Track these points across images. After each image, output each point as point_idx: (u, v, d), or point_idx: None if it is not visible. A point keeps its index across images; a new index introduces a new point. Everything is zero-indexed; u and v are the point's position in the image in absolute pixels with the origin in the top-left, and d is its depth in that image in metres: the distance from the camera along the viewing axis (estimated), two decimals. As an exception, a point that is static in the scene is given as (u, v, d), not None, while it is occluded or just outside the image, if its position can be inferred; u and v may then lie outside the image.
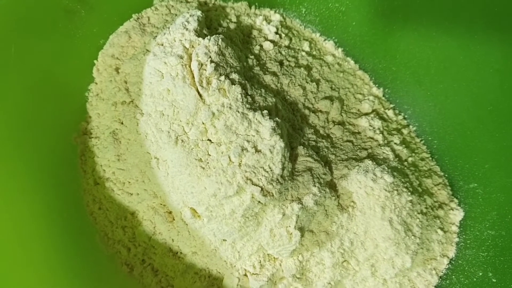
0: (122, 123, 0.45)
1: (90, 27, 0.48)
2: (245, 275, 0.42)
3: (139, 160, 0.43)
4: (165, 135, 0.41)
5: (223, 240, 0.42)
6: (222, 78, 0.41)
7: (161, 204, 0.43)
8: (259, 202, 0.39)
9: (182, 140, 0.40)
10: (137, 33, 0.47)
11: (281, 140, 0.39)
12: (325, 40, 0.54)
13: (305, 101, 0.47)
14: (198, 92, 0.41)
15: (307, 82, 0.48)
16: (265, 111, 0.41)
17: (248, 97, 0.41)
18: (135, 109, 0.44)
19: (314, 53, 0.52)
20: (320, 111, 0.48)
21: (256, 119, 0.40)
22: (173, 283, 0.44)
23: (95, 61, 0.48)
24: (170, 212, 0.44)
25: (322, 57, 0.53)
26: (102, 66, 0.47)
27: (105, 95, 0.46)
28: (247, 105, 0.40)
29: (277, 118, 0.41)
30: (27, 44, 0.44)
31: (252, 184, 0.38)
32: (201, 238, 0.42)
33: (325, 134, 0.46)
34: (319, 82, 0.50)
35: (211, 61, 0.41)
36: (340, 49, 0.54)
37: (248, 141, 0.39)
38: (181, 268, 0.44)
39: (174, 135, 0.41)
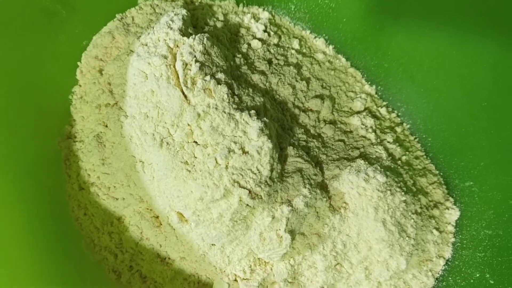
0: (106, 126, 0.43)
1: (72, 28, 0.47)
2: (235, 280, 0.41)
3: (124, 163, 0.42)
4: (150, 137, 0.40)
5: (212, 244, 0.41)
6: (208, 78, 0.39)
7: (147, 209, 0.42)
8: (247, 205, 0.37)
9: (167, 143, 0.39)
10: (121, 33, 0.46)
11: (269, 140, 0.38)
12: (315, 37, 0.53)
13: (294, 100, 0.46)
14: (183, 93, 0.39)
15: (296, 81, 0.47)
16: (252, 111, 0.39)
17: (235, 97, 0.40)
18: (119, 111, 0.43)
19: (304, 51, 0.51)
20: (311, 110, 0.46)
21: (243, 120, 0.39)
22: (162, 290, 0.43)
23: (78, 63, 0.47)
24: (157, 217, 0.42)
25: (312, 55, 0.51)
26: (85, 68, 0.46)
27: (89, 98, 0.45)
28: (233, 105, 0.39)
29: (265, 118, 0.39)
30: (6, 47, 0.43)
31: (240, 187, 0.37)
32: (189, 243, 0.41)
33: (316, 134, 0.45)
34: (309, 81, 0.48)
35: (196, 61, 0.40)
36: (331, 47, 0.53)
37: (235, 143, 0.38)
38: (170, 274, 0.42)
39: (159, 138, 0.39)
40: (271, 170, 0.38)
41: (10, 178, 0.41)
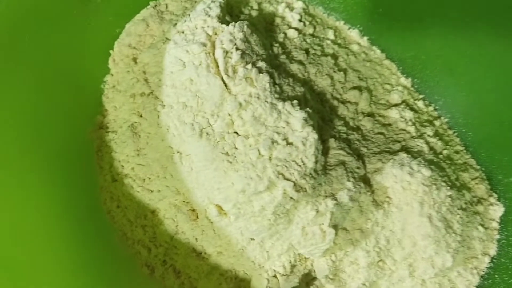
0: (141, 116, 0.42)
1: (105, 16, 0.46)
2: (275, 276, 0.40)
3: (160, 154, 0.41)
4: (189, 127, 0.38)
5: (251, 239, 0.39)
6: (249, 66, 0.38)
7: (184, 202, 0.41)
8: (291, 198, 0.36)
9: (207, 133, 0.38)
10: (155, 21, 0.45)
11: (314, 131, 0.37)
12: (349, 28, 0.52)
13: (333, 91, 0.45)
14: (224, 82, 0.38)
15: (334, 72, 0.46)
16: (295, 101, 0.38)
17: (276, 86, 0.39)
18: (155, 100, 0.41)
19: (339, 41, 0.50)
20: (349, 102, 0.45)
21: (286, 110, 0.37)
22: (197, 285, 0.42)
23: (110, 51, 0.46)
24: (194, 210, 0.41)
25: (347, 46, 0.50)
26: (118, 57, 0.45)
27: (122, 87, 0.44)
28: (275, 95, 0.38)
29: (308, 109, 0.38)
30: (39, 35, 0.42)
31: (284, 179, 0.36)
32: (227, 237, 0.40)
33: (355, 126, 0.44)
34: (346, 72, 0.47)
35: (237, 49, 0.38)
36: (365, 38, 0.51)
37: (278, 133, 0.37)
38: (206, 269, 0.41)
39: (198, 128, 0.38)
40: (316, 162, 0.37)
41: (42, 169, 0.40)
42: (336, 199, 0.37)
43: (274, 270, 0.40)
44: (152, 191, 0.42)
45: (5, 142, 0.38)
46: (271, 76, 0.39)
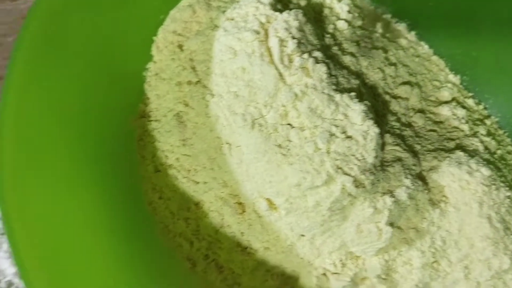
0: (187, 105, 0.41)
1: (149, 1, 0.44)
2: (324, 274, 0.38)
3: (207, 145, 0.39)
4: (240, 118, 0.37)
5: (301, 235, 0.38)
6: (305, 56, 0.37)
7: (231, 194, 0.40)
8: (349, 194, 0.35)
9: (260, 124, 0.37)
10: (202, 7, 0.43)
11: (375, 125, 0.35)
12: (396, 22, 0.50)
13: (384, 85, 0.43)
14: (278, 71, 0.37)
15: (385, 66, 0.44)
16: (352, 93, 0.37)
17: (333, 77, 0.37)
18: (204, 89, 0.40)
19: (388, 35, 0.48)
20: (400, 97, 0.44)
21: (344, 102, 0.36)
22: (240, 281, 0.41)
23: (154, 38, 0.44)
24: (241, 203, 0.40)
25: (395, 40, 0.48)
26: (162, 43, 0.44)
27: (166, 75, 0.42)
28: (332, 86, 0.36)
29: (366, 101, 0.37)
30: (81, 20, 0.40)
31: (344, 174, 0.34)
32: (275, 233, 0.39)
33: (406, 123, 0.42)
34: (396, 66, 0.45)
35: (293, 37, 0.37)
36: (412, 33, 0.50)
37: (336, 126, 0.35)
38: (251, 265, 0.40)
39: (250, 119, 0.37)
40: (376, 157, 0.35)
41: (82, 157, 0.39)
42: (394, 197, 0.36)
43: (324, 268, 0.38)
44: (197, 182, 0.40)
45: (49, 129, 0.37)
46: (328, 66, 0.37)
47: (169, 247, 0.41)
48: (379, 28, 0.48)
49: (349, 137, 0.35)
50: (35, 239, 0.32)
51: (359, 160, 0.35)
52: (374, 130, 0.35)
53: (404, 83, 0.45)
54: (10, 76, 0.35)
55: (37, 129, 0.35)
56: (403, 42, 0.49)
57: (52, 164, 0.35)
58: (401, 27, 0.50)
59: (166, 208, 0.42)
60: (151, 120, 0.42)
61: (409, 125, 0.42)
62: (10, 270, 0.44)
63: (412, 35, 0.50)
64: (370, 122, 0.35)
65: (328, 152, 0.35)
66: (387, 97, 0.43)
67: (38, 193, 0.34)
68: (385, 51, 0.46)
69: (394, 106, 0.43)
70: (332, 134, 0.35)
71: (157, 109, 0.43)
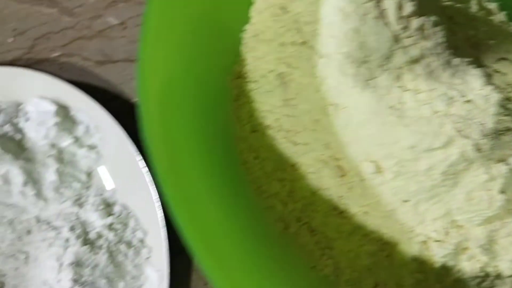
0: (290, 66, 0.40)
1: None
2: (425, 241, 0.38)
3: (311, 106, 0.39)
4: (351, 79, 0.37)
5: (405, 200, 0.38)
6: (423, 18, 0.36)
7: (331, 157, 0.39)
8: (467, 158, 0.34)
9: (372, 86, 0.36)
10: (305, -30, 0.43)
11: (496, 90, 0.35)
12: (487, 1, 0.50)
13: (483, 60, 0.43)
14: (394, 33, 0.36)
15: (482, 41, 0.44)
16: (469, 58, 0.36)
17: (449, 41, 0.37)
18: (310, 50, 0.40)
19: (481, 13, 0.48)
20: (499, 72, 0.43)
21: (462, 66, 0.36)
22: (333, 245, 0.40)
23: (252, 0, 0.44)
24: (340, 166, 0.39)
25: (488, 17, 0.48)
26: (263, 6, 0.43)
27: (267, 36, 0.42)
28: (450, 50, 0.36)
29: (484, 68, 0.36)
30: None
31: (464, 137, 0.34)
32: (377, 197, 0.38)
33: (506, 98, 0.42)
34: (491, 41, 0.45)
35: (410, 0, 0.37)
36: (503, 13, 0.49)
37: (454, 90, 0.35)
38: (347, 229, 0.40)
39: (362, 80, 0.36)
40: (497, 123, 0.35)
41: (182, 115, 0.39)
42: (509, 164, 0.35)
43: (426, 235, 0.38)
44: (297, 143, 0.40)
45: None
46: (445, 30, 0.37)
47: (262, 207, 0.41)
48: (473, 4, 0.47)
49: (468, 101, 0.35)
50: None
51: (479, 124, 0.34)
52: (495, 96, 0.35)
53: (502, 58, 0.44)
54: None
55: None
56: (495, 20, 0.48)
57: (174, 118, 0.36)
58: (492, 6, 0.49)
59: (261, 169, 0.41)
60: (248, 81, 0.42)
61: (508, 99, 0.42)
62: (98, 222, 0.44)
63: (502, 15, 0.49)
64: (491, 87, 0.35)
65: (447, 115, 0.34)
66: (489, 70, 0.42)
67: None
68: (479, 27, 0.46)
69: (496, 80, 0.42)
70: (451, 97, 0.35)
71: (255, 70, 0.42)
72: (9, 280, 0.43)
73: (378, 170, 0.37)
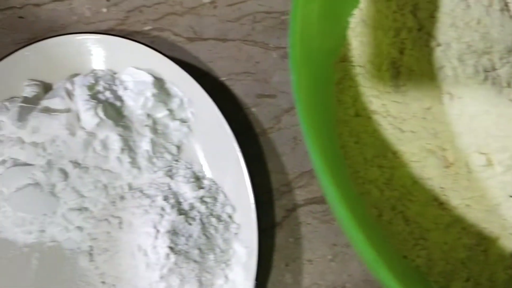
0: (403, 52, 0.40)
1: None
2: (528, 238, 0.38)
3: (423, 94, 0.39)
4: (471, 69, 0.37)
5: (511, 196, 0.37)
6: (549, 14, 0.36)
7: (439, 146, 0.39)
8: None
9: (493, 77, 0.36)
10: (419, -41, 0.43)
11: None
12: None
13: None
14: (519, 26, 0.36)
15: None
16: None
17: None
18: (427, 37, 0.40)
19: None
20: None
21: None
22: (428, 236, 0.40)
23: (362, -15, 0.44)
24: (445, 157, 0.39)
25: None
26: (373, -9, 0.43)
27: (377, 21, 0.42)
28: None
29: None
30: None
31: None
32: (482, 190, 0.38)
33: None
34: None
35: (537, -6, 0.36)
36: None
37: None
38: (446, 221, 0.40)
39: (482, 70, 0.36)
40: None
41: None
42: None
43: (531, 232, 0.38)
44: (403, 131, 0.40)
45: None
46: None
47: (356, 192, 0.41)
48: None
49: None
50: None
51: None
52: None
53: None
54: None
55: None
56: None
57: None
58: None
59: (361, 154, 0.41)
60: (355, 65, 0.42)
61: None
62: (190, 194, 0.44)
63: None
64: None
65: None
66: None
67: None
68: None
69: None
70: None
71: (363, 54, 0.42)
72: (100, 243, 0.43)
73: (489, 163, 0.37)
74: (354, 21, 0.43)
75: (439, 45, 0.39)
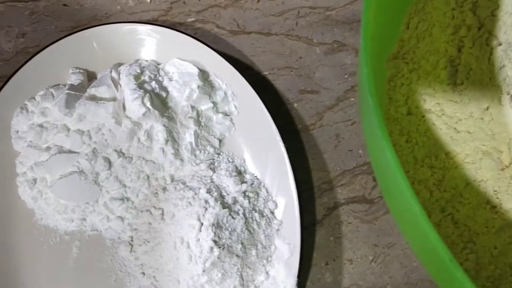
0: (461, 50, 0.39)
1: None
2: None
3: (481, 93, 0.38)
4: (534, 69, 0.35)
5: None
6: None
7: (495, 148, 0.38)
8: None
9: (558, 79, 0.35)
10: (477, -44, 0.42)
11: None
12: None
13: None
14: None
15: None
16: None
17: None
18: (488, 35, 0.39)
19: None
20: None
21: None
22: (477, 240, 0.39)
23: (414, -18, 0.43)
24: (502, 159, 0.38)
25: None
26: (427, -12, 0.42)
27: (434, 18, 0.41)
28: None
29: None
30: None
31: None
32: (539, 195, 0.37)
33: None
34: None
35: None
36: None
37: None
38: (497, 225, 0.38)
39: (546, 71, 0.35)
40: None
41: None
42: None
43: None
44: (458, 131, 0.39)
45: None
46: None
47: (405, 193, 0.40)
48: None
49: None
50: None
51: None
52: None
53: None
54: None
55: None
56: None
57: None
58: None
59: (411, 153, 0.41)
60: (408, 62, 0.41)
61: None
62: (233, 188, 0.44)
63: None
64: None
65: None
66: None
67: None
68: None
69: None
70: None
71: (417, 51, 0.41)
72: (140, 234, 0.43)
73: (550, 167, 0.36)
74: (408, 17, 0.42)
75: (500, 44, 0.38)
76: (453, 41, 0.40)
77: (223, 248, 0.40)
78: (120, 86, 0.44)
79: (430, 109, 0.40)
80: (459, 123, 0.39)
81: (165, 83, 0.46)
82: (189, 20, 0.53)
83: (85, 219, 0.43)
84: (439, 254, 0.25)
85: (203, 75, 0.47)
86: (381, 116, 0.26)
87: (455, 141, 0.39)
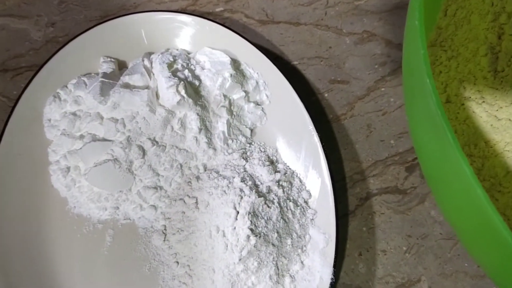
0: (501, 37, 0.39)
1: None
2: None
3: (524, 80, 0.38)
4: None
5: None
6: None
7: (539, 136, 0.38)
8: None
9: None
10: None
11: None
12: None
13: None
14: None
15: None
16: None
17: None
18: (529, 22, 0.38)
19: None
20: None
21: None
22: (518, 229, 0.39)
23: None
24: (544, 148, 0.38)
25: None
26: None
27: (473, 6, 0.41)
28: None
29: None
30: None
31: None
32: None
33: None
34: None
35: None
36: None
37: None
38: (539, 214, 0.38)
39: None
40: None
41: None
42: None
43: None
44: (499, 119, 0.39)
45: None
46: None
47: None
48: None
49: None
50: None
51: None
52: None
53: None
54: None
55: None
56: None
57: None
58: None
59: (449, 142, 0.40)
60: (446, 50, 0.41)
61: None
62: (266, 177, 0.43)
63: None
64: None
65: None
66: None
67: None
68: None
69: None
70: None
71: (456, 38, 0.41)
72: (174, 223, 0.43)
73: None
74: (445, 4, 0.42)
75: (543, 30, 0.37)
76: (493, 28, 0.39)
77: (260, 237, 0.40)
78: (153, 74, 0.44)
79: (470, 97, 0.39)
80: (500, 110, 0.38)
81: (198, 71, 0.45)
82: (218, 9, 0.52)
83: (118, 208, 0.43)
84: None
85: (235, 64, 0.46)
86: (439, 98, 0.25)
87: (495, 129, 0.39)
